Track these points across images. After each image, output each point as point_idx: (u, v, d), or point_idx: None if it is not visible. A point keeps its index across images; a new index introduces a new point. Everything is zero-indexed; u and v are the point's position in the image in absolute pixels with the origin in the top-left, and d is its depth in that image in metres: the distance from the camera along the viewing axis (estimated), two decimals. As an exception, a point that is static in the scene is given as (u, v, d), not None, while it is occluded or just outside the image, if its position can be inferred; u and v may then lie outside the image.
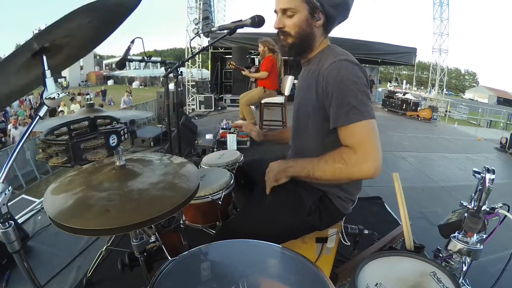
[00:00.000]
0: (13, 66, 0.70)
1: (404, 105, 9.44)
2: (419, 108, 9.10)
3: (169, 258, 0.75)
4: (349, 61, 0.97)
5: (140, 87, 32.21)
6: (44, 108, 0.73)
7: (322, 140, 1.05)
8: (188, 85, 8.61)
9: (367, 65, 13.14)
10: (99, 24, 0.84)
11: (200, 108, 7.92)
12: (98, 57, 49.74)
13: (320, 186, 1.09)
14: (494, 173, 0.81)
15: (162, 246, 0.88)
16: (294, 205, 1.10)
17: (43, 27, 0.66)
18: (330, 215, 1.12)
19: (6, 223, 0.67)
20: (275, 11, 1.08)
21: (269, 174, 1.09)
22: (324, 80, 0.97)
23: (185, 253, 0.77)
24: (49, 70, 0.73)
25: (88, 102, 1.47)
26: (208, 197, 1.12)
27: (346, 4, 1.04)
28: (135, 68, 36.85)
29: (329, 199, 1.11)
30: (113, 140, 1.20)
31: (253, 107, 4.50)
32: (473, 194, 0.85)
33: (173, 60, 2.36)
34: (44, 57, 0.72)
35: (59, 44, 0.77)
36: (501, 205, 0.85)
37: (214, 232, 1.31)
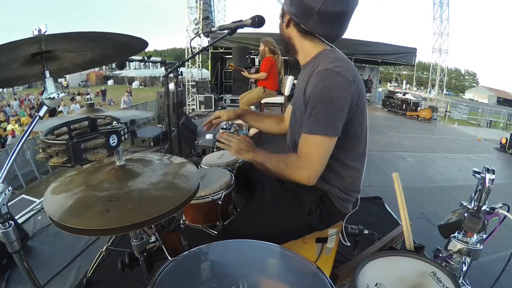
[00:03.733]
0: (10, 54, 0.70)
1: (404, 105, 9.44)
2: (419, 108, 9.10)
3: (169, 258, 0.75)
4: (335, 71, 0.95)
5: (140, 87, 32.18)
6: (44, 108, 0.73)
7: None
8: (188, 85, 8.62)
9: (367, 65, 13.16)
10: (101, 52, 0.87)
11: (200, 108, 7.92)
12: (98, 57, 49.61)
13: (319, 185, 1.10)
14: (494, 173, 0.81)
15: (162, 246, 0.88)
16: (294, 205, 1.10)
17: (43, 28, 0.66)
18: (330, 215, 1.13)
19: (6, 223, 0.67)
20: None
21: (236, 144, 1.14)
22: (308, 87, 1.00)
23: (185, 253, 0.77)
24: (48, 71, 0.74)
25: (88, 102, 1.47)
26: (209, 197, 1.12)
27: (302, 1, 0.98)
28: (135, 68, 36.87)
29: (329, 198, 1.11)
30: (113, 140, 1.20)
31: (253, 107, 4.50)
32: (473, 194, 0.86)
33: (173, 60, 2.36)
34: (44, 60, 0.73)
35: (57, 55, 0.79)
36: (501, 205, 0.85)
37: (214, 232, 1.31)
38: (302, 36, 1.07)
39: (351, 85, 0.96)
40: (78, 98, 17.18)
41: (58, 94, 0.73)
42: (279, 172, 1.04)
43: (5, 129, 10.41)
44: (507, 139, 5.47)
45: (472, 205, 0.84)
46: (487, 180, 0.81)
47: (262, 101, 4.12)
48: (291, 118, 1.23)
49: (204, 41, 9.04)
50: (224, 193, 1.14)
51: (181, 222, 1.23)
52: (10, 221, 0.68)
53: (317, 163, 0.98)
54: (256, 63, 7.77)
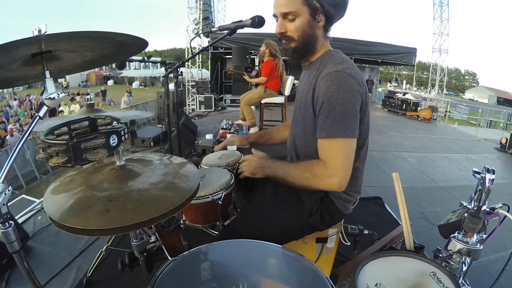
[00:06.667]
0: (10, 54, 0.70)
1: (404, 105, 9.44)
2: (419, 108, 9.10)
3: (169, 258, 0.75)
4: (346, 73, 0.95)
5: (140, 87, 32.18)
6: (44, 108, 0.73)
7: (316, 145, 1.03)
8: (188, 85, 8.62)
9: (367, 65, 13.16)
10: (101, 52, 0.87)
11: (200, 108, 7.93)
12: (98, 57, 49.61)
13: None
14: (494, 173, 0.81)
15: (162, 246, 0.88)
16: (295, 205, 1.10)
17: (43, 28, 0.66)
18: (331, 215, 1.13)
19: (6, 223, 0.67)
20: (274, 15, 1.05)
21: (248, 166, 1.13)
22: (318, 89, 0.98)
23: (185, 253, 0.77)
24: (48, 71, 0.74)
25: (88, 102, 1.47)
26: (209, 197, 1.12)
27: (344, 2, 1.04)
28: (135, 68, 36.87)
29: (329, 199, 1.11)
30: (113, 140, 1.20)
31: (253, 107, 4.50)
32: (473, 194, 0.85)
33: (173, 60, 2.36)
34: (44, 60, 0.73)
35: (57, 55, 0.79)
36: (501, 205, 0.85)
37: (215, 232, 1.31)
38: (323, 36, 1.08)
39: (361, 86, 0.97)
40: (78, 98, 17.17)
41: (58, 94, 0.73)
42: (306, 185, 1.02)
43: (5, 129, 10.43)
44: (507, 139, 5.48)
45: (472, 205, 0.84)
46: (487, 180, 0.81)
47: (263, 101, 4.12)
48: (292, 121, 1.22)
49: (204, 41, 9.05)
50: (224, 193, 1.14)
51: (181, 222, 1.23)
52: (10, 221, 0.68)
53: (345, 167, 0.97)
54: (256, 63, 7.77)
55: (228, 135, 3.70)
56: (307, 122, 1.06)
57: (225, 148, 1.52)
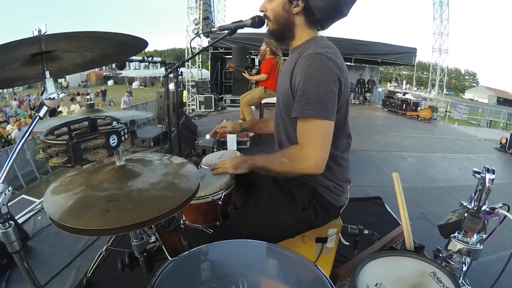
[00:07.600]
0: (11, 54, 0.70)
1: (404, 105, 9.43)
2: (419, 108, 9.09)
3: (169, 258, 0.75)
4: (325, 55, 0.95)
5: (140, 87, 32.18)
6: (44, 108, 0.73)
7: (295, 129, 1.03)
8: (188, 85, 8.62)
9: (367, 65, 13.16)
10: (101, 52, 0.87)
11: (200, 108, 7.93)
12: (98, 57, 49.64)
13: (308, 180, 1.10)
14: (494, 173, 0.81)
15: (162, 246, 0.88)
16: (287, 202, 1.11)
17: (43, 28, 0.67)
18: (324, 209, 1.13)
19: (6, 223, 0.67)
20: None
21: (228, 163, 1.14)
22: (297, 71, 0.98)
23: (185, 253, 0.77)
24: (48, 71, 0.74)
25: (88, 102, 1.47)
26: (208, 197, 1.12)
27: None
28: (135, 68, 36.86)
29: (320, 193, 1.11)
30: (113, 140, 1.20)
31: (253, 107, 4.51)
32: (473, 194, 0.85)
33: (173, 60, 2.36)
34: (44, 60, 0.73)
35: (57, 56, 0.79)
36: (501, 205, 0.85)
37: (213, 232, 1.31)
38: (306, 25, 1.06)
39: (340, 71, 0.97)
40: (78, 98, 17.16)
41: (58, 94, 0.73)
42: (284, 170, 1.01)
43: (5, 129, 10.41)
44: (507, 139, 5.47)
45: (472, 205, 0.84)
46: (487, 180, 0.81)
47: (263, 101, 4.13)
48: (275, 110, 1.22)
49: (204, 41, 9.06)
50: (224, 193, 1.14)
51: (181, 222, 1.23)
52: (10, 221, 0.68)
53: (320, 148, 0.96)
54: (256, 63, 7.77)
55: (228, 135, 3.70)
56: (289, 103, 1.05)
57: (220, 139, 1.50)
